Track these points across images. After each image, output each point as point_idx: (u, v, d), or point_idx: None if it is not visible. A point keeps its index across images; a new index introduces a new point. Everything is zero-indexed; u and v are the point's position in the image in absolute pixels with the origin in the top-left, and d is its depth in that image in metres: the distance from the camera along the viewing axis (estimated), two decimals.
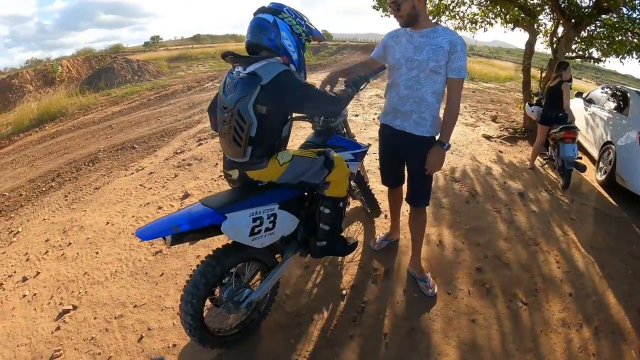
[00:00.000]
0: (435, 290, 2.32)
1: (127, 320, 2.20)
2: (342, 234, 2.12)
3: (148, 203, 3.72)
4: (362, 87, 2.06)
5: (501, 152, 5.13)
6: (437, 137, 2.03)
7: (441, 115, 2.02)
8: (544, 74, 6.17)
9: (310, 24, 1.78)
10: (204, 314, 1.71)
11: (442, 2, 6.55)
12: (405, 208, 2.72)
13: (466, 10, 6.78)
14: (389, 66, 2.11)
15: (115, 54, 20.36)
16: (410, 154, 2.12)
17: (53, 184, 4.99)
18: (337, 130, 2.35)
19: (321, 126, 2.27)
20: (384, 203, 3.28)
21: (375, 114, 6.76)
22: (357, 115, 6.62)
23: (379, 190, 3.56)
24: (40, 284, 2.70)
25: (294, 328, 2.06)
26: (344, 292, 2.30)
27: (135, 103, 10.58)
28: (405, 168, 2.27)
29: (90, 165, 5.56)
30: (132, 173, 4.74)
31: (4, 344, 2.19)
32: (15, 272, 2.93)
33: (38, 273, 2.85)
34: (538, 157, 4.66)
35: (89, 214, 3.73)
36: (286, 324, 2.09)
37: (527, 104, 5.51)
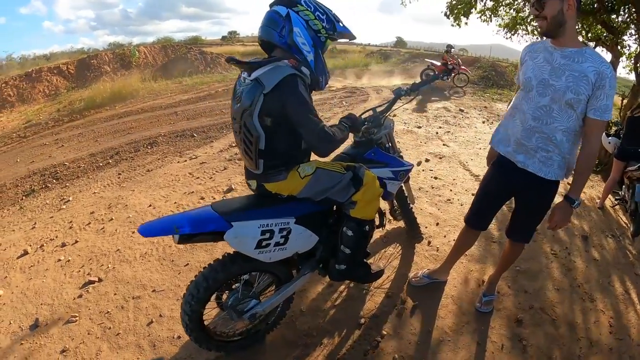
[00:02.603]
0: (487, 310, 2.35)
1: (143, 303, 2.38)
2: (367, 260, 2.05)
3: (192, 192, 3.99)
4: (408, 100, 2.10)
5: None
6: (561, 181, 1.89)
7: (573, 157, 1.84)
8: (625, 101, 5.65)
9: (335, 18, 1.63)
10: (214, 313, 1.77)
11: (519, 14, 6.30)
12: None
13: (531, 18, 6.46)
14: (519, 85, 1.91)
15: (192, 45, 22.30)
16: (528, 194, 1.97)
17: (110, 161, 5.55)
18: (380, 143, 2.23)
19: (361, 137, 2.16)
20: (430, 227, 3.20)
21: (440, 127, 6.61)
22: (419, 127, 6.52)
23: (427, 212, 3.48)
24: (76, 252, 3.02)
25: (300, 348, 2.05)
26: (363, 320, 2.24)
27: (203, 93, 11.45)
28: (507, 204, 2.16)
29: (149, 147, 6.09)
30: (185, 160, 5.12)
31: (31, 299, 2.51)
32: (56, 237, 3.32)
33: (76, 242, 3.19)
34: (609, 196, 4.23)
35: (135, 194, 4.09)
36: (293, 341, 2.09)
37: (604, 133, 5.04)
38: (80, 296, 2.48)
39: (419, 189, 3.95)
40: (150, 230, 1.47)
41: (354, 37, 1.73)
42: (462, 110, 8.16)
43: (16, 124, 9.98)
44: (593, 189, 4.71)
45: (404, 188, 2.69)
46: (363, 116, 2.18)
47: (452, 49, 12.64)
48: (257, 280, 1.85)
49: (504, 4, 6.51)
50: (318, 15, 1.56)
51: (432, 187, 4.02)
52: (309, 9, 1.54)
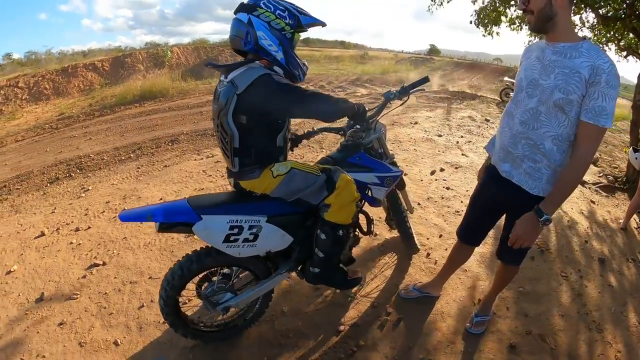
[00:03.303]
0: (478, 332, 2.25)
1: (138, 288, 2.60)
2: (349, 266, 2.09)
3: (203, 189, 4.23)
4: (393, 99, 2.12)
5: (593, 202, 4.55)
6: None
7: None
8: None
9: (298, 11, 1.68)
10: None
11: None
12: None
13: (577, 32, 6.27)
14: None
15: (225, 47, 23.06)
16: (515, 210, 1.78)
17: (132, 155, 5.91)
18: (369, 147, 2.25)
19: (347, 140, 2.19)
20: (432, 239, 3.20)
21: (462, 136, 6.60)
22: (440, 136, 6.52)
23: (432, 223, 3.48)
24: (87, 237, 3.30)
25: (275, 348, 2.13)
26: (342, 327, 2.28)
27: None
28: (502, 219, 2.01)
29: (170, 144, 6.41)
30: (202, 158, 5.39)
31: (41, 275, 2.80)
32: (72, 222, 3.62)
33: (89, 227, 3.47)
34: (634, 217, 4.05)
35: (150, 187, 4.36)
36: (269, 340, 2.17)
37: (631, 148, 4.85)
38: (84, 277, 2.73)
39: (428, 198, 3.97)
40: (128, 216, 1.60)
41: (323, 24, 1.77)
42: (487, 120, 8.08)
43: (50, 116, 10.74)
44: (618, 208, 4.54)
45: (399, 196, 2.67)
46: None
47: None
48: (234, 274, 1.96)
49: None
50: (279, 14, 1.62)
51: (442, 198, 4.02)
52: (268, 10, 1.60)
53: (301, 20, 1.67)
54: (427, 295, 2.48)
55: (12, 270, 2.87)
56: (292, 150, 2.21)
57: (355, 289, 2.54)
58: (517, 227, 1.63)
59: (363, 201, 2.21)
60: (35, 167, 5.76)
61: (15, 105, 12.40)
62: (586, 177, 5.32)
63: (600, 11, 5.42)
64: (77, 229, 3.43)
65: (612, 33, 5.84)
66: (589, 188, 5.03)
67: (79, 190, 4.51)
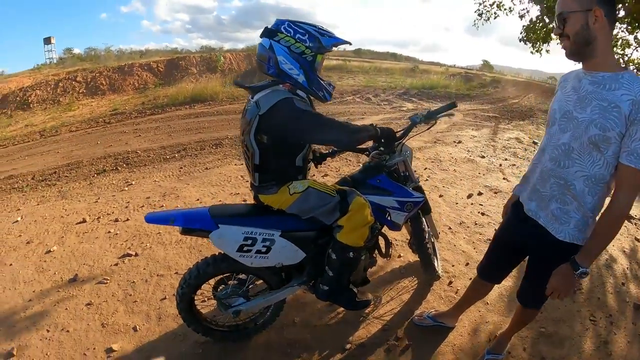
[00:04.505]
0: None
1: (164, 281, 2.83)
2: (362, 287, 2.16)
3: (238, 193, 4.48)
4: (419, 123, 2.12)
5: (638, 240, 4.17)
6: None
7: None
8: None
9: (320, 33, 1.72)
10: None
11: None
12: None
13: (631, 53, 5.93)
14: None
15: None
16: (538, 252, 1.73)
17: (176, 155, 6.31)
18: (393, 170, 2.24)
19: (370, 161, 2.22)
20: (457, 266, 3.13)
21: (506, 159, 6.41)
22: (483, 157, 6.36)
23: (461, 250, 3.39)
24: (124, 228, 3.62)
25: (279, 355, 2.23)
26: (349, 346, 2.32)
27: None
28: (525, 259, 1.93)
29: (214, 148, 6.76)
30: (242, 164, 5.67)
31: (77, 259, 3.13)
32: (112, 213, 3.99)
33: (127, 220, 3.80)
34: None
35: (189, 187, 4.68)
36: (276, 348, 2.28)
37: None
38: (116, 264, 3.02)
39: (460, 223, 3.89)
40: (153, 218, 1.79)
41: (348, 43, 1.82)
42: (535, 143, 7.76)
43: (104, 110, 11.70)
44: None
45: (424, 221, 2.65)
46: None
47: None
48: (249, 281, 2.10)
49: None
50: (299, 38, 1.69)
51: (476, 224, 3.91)
52: (288, 35, 1.69)
53: (322, 41, 1.73)
54: (441, 325, 2.44)
55: (52, 250, 3.23)
56: (316, 167, 2.34)
57: (368, 309, 2.56)
58: (552, 279, 1.56)
59: (383, 224, 2.25)
60: (85, 157, 6.33)
61: (72, 98, 13.63)
62: (633, 212, 4.88)
63: None
64: (116, 220, 3.77)
65: None
66: (635, 224, 4.63)
67: (123, 184, 4.92)
